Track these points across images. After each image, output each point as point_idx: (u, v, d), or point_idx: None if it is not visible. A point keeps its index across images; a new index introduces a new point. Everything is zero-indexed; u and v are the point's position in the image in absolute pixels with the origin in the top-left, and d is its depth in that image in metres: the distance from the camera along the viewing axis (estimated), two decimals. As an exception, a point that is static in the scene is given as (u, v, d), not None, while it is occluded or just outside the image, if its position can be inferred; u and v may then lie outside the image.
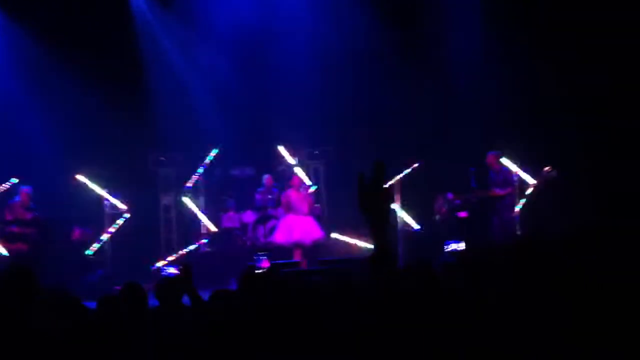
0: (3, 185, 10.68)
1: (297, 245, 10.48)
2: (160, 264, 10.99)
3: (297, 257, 10.23)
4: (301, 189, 10.89)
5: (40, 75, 12.00)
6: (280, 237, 10.72)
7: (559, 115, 11.62)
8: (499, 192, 10.74)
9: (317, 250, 10.57)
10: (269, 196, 12.05)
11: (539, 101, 11.83)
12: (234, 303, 3.83)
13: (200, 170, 12.46)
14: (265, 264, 6.60)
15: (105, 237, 11.31)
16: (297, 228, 10.60)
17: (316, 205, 11.41)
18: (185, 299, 4.80)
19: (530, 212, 11.01)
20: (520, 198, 11.11)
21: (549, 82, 11.70)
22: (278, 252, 10.58)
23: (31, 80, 12.03)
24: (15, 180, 10.69)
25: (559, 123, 11.54)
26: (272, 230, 11.46)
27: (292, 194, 10.87)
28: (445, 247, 7.38)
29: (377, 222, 3.22)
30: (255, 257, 6.68)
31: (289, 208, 10.76)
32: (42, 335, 3.11)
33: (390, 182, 10.88)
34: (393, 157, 11.96)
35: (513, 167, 11.09)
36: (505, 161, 11.03)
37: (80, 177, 11.46)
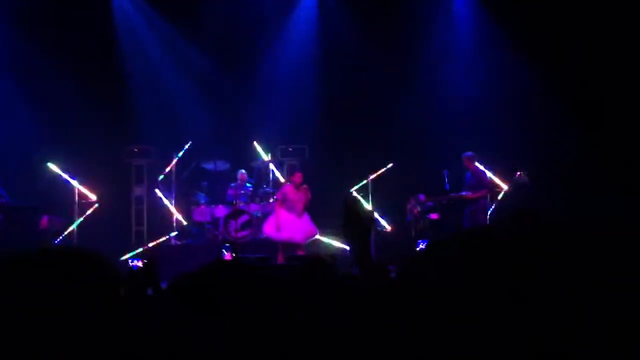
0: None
1: (285, 243, 10.26)
2: (127, 256, 10.89)
3: (280, 257, 10.10)
4: (300, 188, 10.51)
5: (14, 62, 11.84)
6: (270, 230, 10.47)
7: (533, 118, 11.76)
8: (472, 194, 10.77)
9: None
10: (242, 191, 12.00)
11: (513, 103, 11.95)
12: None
13: (173, 162, 12.36)
14: (228, 256, 6.53)
15: (73, 226, 11.19)
16: (287, 226, 10.30)
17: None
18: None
19: (501, 216, 11.10)
20: (492, 202, 11.19)
21: (524, 84, 11.83)
22: (265, 245, 10.55)
23: (5, 67, 11.84)
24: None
25: (533, 126, 11.68)
26: (244, 225, 11.43)
27: (289, 191, 10.55)
28: (417, 247, 7.39)
29: (361, 248, 3.37)
30: (222, 249, 6.62)
31: (284, 203, 10.44)
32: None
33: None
34: (366, 157, 12.03)
35: (487, 171, 11.16)
36: (478, 164, 11.08)
37: (52, 166, 11.32)
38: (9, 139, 11.35)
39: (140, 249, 11.22)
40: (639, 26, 10.83)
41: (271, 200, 11.99)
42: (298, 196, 10.40)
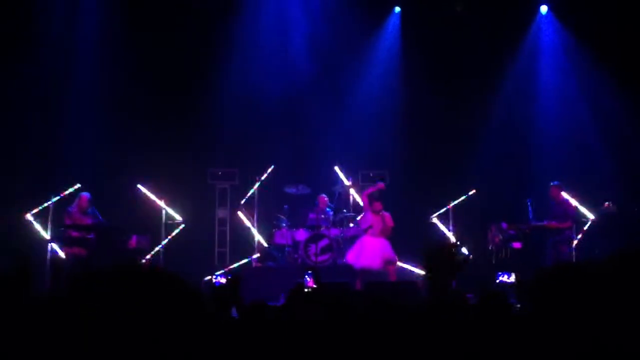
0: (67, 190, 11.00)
1: (364, 270, 10.42)
2: (209, 277, 11.14)
3: (358, 284, 10.20)
4: (379, 214, 10.76)
5: (108, 86, 12.35)
6: (351, 257, 10.71)
7: (623, 147, 11.41)
8: (556, 224, 10.52)
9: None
10: (322, 216, 12.10)
11: (602, 131, 11.65)
12: (277, 317, 3.90)
13: (256, 185, 12.61)
14: (311, 283, 6.63)
15: (159, 246, 11.56)
16: (366, 253, 10.49)
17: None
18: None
19: (587, 248, 10.77)
20: (578, 233, 10.88)
21: (612, 112, 11.53)
22: (345, 271, 10.65)
23: (100, 92, 12.38)
24: (78, 186, 11.02)
25: (622, 155, 11.33)
26: (324, 249, 11.53)
27: (372, 218, 10.74)
28: (497, 279, 7.25)
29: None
30: (305, 276, 6.74)
31: (368, 231, 10.75)
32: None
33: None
34: (448, 183, 11.94)
35: (573, 201, 10.88)
36: (565, 194, 10.81)
37: (142, 188, 11.77)
38: (102, 163, 11.88)
39: (223, 270, 11.47)
40: None
41: (351, 225, 12.09)
42: (378, 220, 10.53)
